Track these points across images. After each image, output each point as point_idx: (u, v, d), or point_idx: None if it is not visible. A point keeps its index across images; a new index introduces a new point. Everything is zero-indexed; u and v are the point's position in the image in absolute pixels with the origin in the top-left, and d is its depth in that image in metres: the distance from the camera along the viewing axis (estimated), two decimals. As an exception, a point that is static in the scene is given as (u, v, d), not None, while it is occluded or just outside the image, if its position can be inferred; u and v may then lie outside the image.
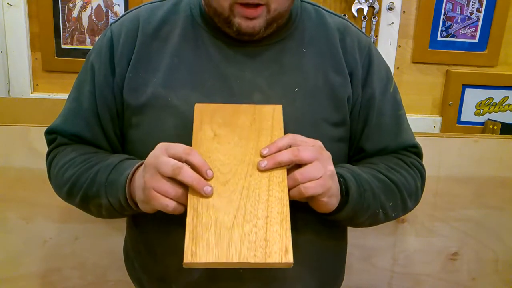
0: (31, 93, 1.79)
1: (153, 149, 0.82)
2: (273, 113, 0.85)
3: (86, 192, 0.89)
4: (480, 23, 1.78)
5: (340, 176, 0.85)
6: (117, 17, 1.00)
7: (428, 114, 1.88)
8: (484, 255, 1.54)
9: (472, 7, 1.77)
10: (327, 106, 0.92)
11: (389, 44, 1.77)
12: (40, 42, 1.76)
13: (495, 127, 1.82)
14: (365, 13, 1.74)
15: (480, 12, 1.78)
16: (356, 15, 1.74)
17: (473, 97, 1.85)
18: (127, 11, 0.99)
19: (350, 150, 0.98)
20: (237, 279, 0.89)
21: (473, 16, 1.78)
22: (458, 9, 1.77)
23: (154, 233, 0.94)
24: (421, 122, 1.85)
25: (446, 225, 1.52)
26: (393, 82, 1.01)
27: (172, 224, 0.89)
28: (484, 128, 1.87)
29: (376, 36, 1.76)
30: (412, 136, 1.01)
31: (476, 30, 1.79)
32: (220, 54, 0.91)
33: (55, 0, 1.72)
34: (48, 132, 0.99)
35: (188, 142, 0.81)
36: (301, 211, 0.86)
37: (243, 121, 0.84)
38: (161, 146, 0.79)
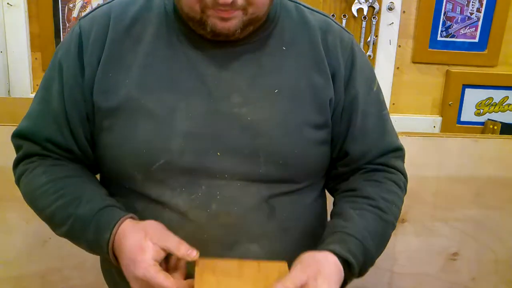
0: (31, 93, 1.79)
1: (125, 155, 0.82)
2: (279, 271, 0.78)
3: (65, 234, 0.87)
4: (480, 23, 1.79)
5: (344, 262, 0.81)
6: (87, 12, 0.93)
7: (428, 114, 1.88)
8: (484, 255, 1.54)
9: (472, 7, 1.77)
10: (309, 108, 0.88)
11: (389, 44, 1.77)
12: (40, 42, 1.76)
13: (495, 127, 1.82)
14: (365, 13, 1.74)
15: (480, 12, 1.78)
16: (356, 15, 1.74)
17: (473, 97, 1.85)
18: (98, 5, 0.93)
19: (333, 153, 0.94)
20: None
21: (473, 16, 1.78)
22: (458, 9, 1.77)
23: None
24: (421, 122, 1.85)
25: (446, 225, 1.52)
26: (376, 80, 0.97)
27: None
28: (484, 128, 1.87)
29: (376, 36, 1.76)
30: (395, 137, 0.98)
31: (476, 30, 1.79)
32: (197, 54, 0.86)
33: (55, 0, 1.72)
34: (17, 136, 0.92)
35: (161, 149, 0.81)
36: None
37: (246, 279, 0.77)
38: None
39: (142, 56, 0.86)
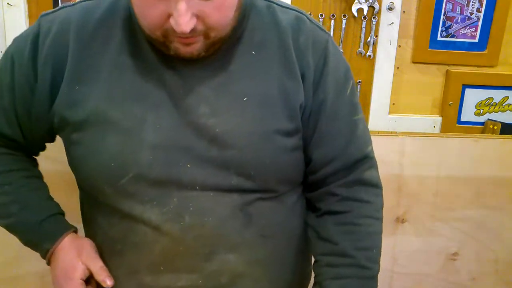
0: (31, 93, 1.79)
1: (94, 169, 0.83)
2: None
3: (1, 224, 0.92)
4: (480, 23, 1.78)
5: None
6: (52, 9, 0.88)
7: (428, 114, 1.87)
8: (484, 255, 1.54)
9: (472, 7, 1.77)
10: (280, 115, 0.84)
11: (389, 44, 1.77)
12: (40, 42, 1.76)
13: (495, 127, 1.82)
14: (365, 13, 1.74)
15: (480, 12, 1.77)
16: (356, 15, 1.74)
17: (473, 97, 1.85)
18: (61, 6, 0.88)
19: (306, 158, 0.91)
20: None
21: (473, 16, 1.78)
22: (458, 9, 1.77)
23: (108, 254, 0.92)
24: (421, 122, 1.85)
25: (446, 225, 1.52)
26: (351, 83, 0.91)
27: (127, 245, 0.87)
28: (484, 128, 1.87)
29: (376, 36, 1.76)
30: (366, 144, 0.92)
31: (476, 30, 1.79)
32: (163, 63, 0.82)
33: (55, 0, 1.72)
34: None
35: (130, 162, 0.80)
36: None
37: None
38: None
39: (108, 65, 0.83)
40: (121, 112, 0.81)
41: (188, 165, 0.82)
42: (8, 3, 1.71)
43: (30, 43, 0.85)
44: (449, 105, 1.84)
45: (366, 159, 0.91)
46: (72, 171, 0.90)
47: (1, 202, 0.90)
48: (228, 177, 0.83)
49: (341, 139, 0.89)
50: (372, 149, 0.93)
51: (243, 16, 0.84)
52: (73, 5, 0.87)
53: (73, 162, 0.87)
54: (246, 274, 0.88)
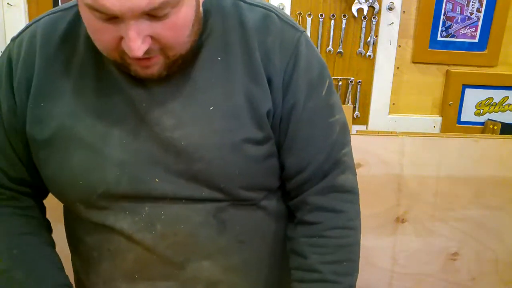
0: (31, 93, 1.79)
1: (63, 187, 0.80)
2: None
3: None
4: (480, 23, 1.78)
5: None
6: (19, 32, 0.86)
7: (428, 114, 1.87)
8: (484, 255, 1.54)
9: (472, 7, 1.77)
10: (248, 124, 0.79)
11: (389, 44, 1.77)
12: (40, 42, 1.76)
13: (495, 127, 1.82)
14: (365, 13, 1.74)
15: (480, 12, 1.77)
16: (356, 15, 1.74)
17: (473, 97, 1.85)
18: (27, 24, 0.85)
19: (280, 164, 0.86)
20: None
21: (473, 16, 1.78)
22: (458, 9, 1.77)
23: (86, 262, 0.90)
24: (421, 122, 1.85)
25: (446, 225, 1.52)
26: (326, 83, 0.84)
27: (103, 253, 0.86)
28: (484, 128, 1.87)
29: (376, 36, 1.76)
30: (341, 147, 0.85)
31: (476, 30, 1.79)
32: (127, 77, 0.78)
33: (55, 0, 1.72)
34: None
35: (97, 180, 0.78)
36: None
37: None
38: None
39: (72, 80, 0.80)
40: (85, 128, 0.79)
41: (157, 179, 0.79)
42: (8, 3, 1.71)
43: (6, 69, 0.82)
44: (449, 105, 1.84)
45: (339, 163, 0.85)
46: (47, 187, 0.87)
47: (7, 268, 0.84)
48: (198, 189, 0.80)
49: (313, 145, 0.84)
50: (347, 152, 0.87)
51: (206, 18, 0.79)
52: (39, 19, 0.84)
53: (45, 180, 0.84)
54: (222, 281, 0.86)
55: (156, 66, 0.74)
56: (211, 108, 0.78)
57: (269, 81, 0.80)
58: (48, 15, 0.84)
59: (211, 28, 0.80)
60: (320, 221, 0.85)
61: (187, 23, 0.72)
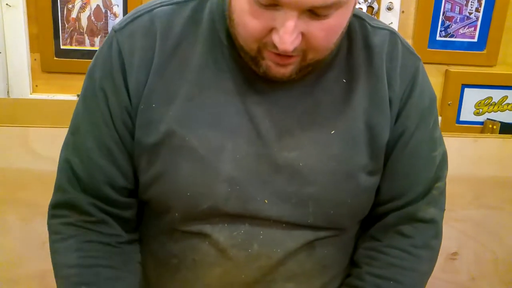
0: (30, 94, 1.78)
1: (166, 196, 0.75)
2: None
3: None
4: (479, 23, 1.78)
5: None
6: (122, 21, 0.78)
7: (427, 114, 1.87)
8: (483, 255, 1.54)
9: (471, 7, 1.77)
10: (366, 152, 0.77)
11: (388, 44, 1.77)
12: (39, 43, 1.76)
13: (495, 127, 1.82)
14: (364, 13, 1.74)
15: (479, 12, 1.78)
16: (355, 15, 1.74)
17: (472, 96, 1.85)
18: (134, 14, 0.78)
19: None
20: None
21: (472, 16, 1.78)
22: (457, 9, 1.77)
23: (161, 267, 0.85)
24: (420, 122, 1.85)
25: (446, 225, 1.51)
26: (435, 115, 0.83)
27: (185, 261, 0.81)
28: (483, 127, 1.87)
29: (375, 36, 1.76)
30: (436, 180, 0.84)
31: (475, 30, 1.79)
32: (246, 84, 0.74)
33: (54, 0, 1.72)
34: (57, 206, 0.80)
35: (206, 195, 0.74)
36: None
37: None
38: None
39: (187, 84, 0.75)
40: (197, 138, 0.74)
41: (266, 201, 0.76)
42: (7, 4, 1.70)
43: (116, 64, 0.75)
44: (448, 104, 1.84)
45: (427, 195, 0.84)
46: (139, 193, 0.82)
47: None
48: (305, 215, 0.77)
49: (413, 176, 0.82)
50: (440, 186, 0.86)
51: (341, 40, 0.75)
52: (149, 11, 0.77)
53: (141, 186, 0.79)
54: None
55: (291, 66, 0.70)
56: (332, 132, 0.76)
57: (390, 108, 0.78)
58: (159, 6, 0.77)
59: (339, 49, 0.77)
60: (383, 239, 0.85)
61: (340, 29, 0.70)
